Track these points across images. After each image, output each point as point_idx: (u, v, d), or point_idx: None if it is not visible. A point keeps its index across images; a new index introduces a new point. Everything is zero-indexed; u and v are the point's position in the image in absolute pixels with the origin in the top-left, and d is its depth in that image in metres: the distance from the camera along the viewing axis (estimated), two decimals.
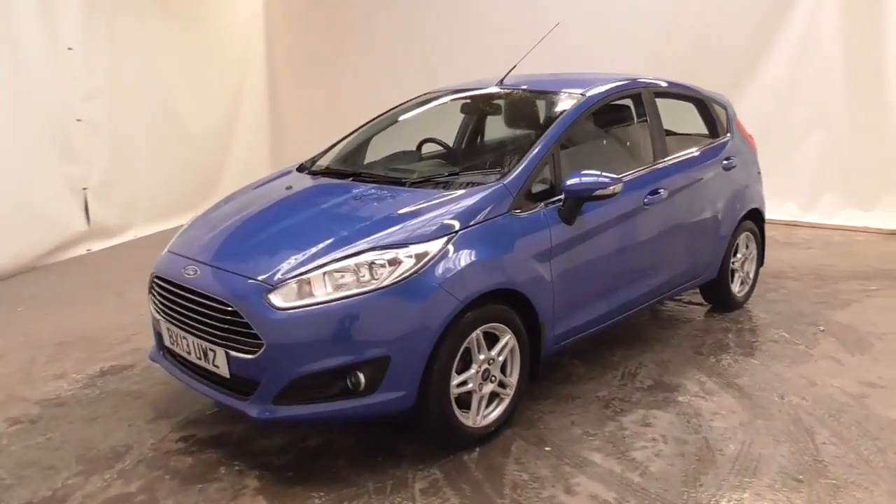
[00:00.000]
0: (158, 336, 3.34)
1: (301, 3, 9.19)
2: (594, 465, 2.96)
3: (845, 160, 7.15)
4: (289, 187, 3.66)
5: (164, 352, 3.32)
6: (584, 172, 3.30)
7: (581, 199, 3.31)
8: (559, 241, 3.28)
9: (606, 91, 3.87)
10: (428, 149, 4.26)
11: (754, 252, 4.91)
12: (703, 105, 4.65)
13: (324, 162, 4.03)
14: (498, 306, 3.05)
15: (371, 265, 2.80)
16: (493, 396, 3.15)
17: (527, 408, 3.40)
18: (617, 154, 4.04)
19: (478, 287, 2.93)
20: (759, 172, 4.91)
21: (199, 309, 2.93)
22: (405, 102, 4.41)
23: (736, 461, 2.98)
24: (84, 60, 6.47)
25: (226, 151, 8.49)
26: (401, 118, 4.31)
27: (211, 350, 2.90)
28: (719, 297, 4.72)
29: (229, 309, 2.80)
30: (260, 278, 2.82)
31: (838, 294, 5.12)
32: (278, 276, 2.81)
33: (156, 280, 3.23)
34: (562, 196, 3.32)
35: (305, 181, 3.76)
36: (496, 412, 3.15)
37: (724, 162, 4.48)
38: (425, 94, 4.45)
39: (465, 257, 2.93)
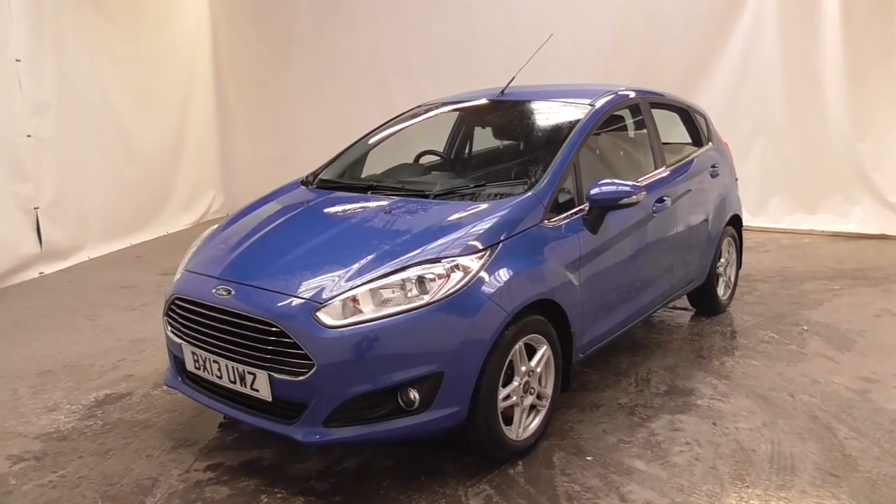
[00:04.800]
0: (176, 361, 3.17)
1: (247, 17, 8.93)
2: (640, 472, 2.98)
3: (788, 166, 7.54)
4: (307, 201, 3.54)
5: (184, 377, 3.15)
6: (607, 182, 3.33)
7: (606, 208, 3.34)
8: (587, 250, 3.30)
9: (612, 101, 3.92)
10: (431, 160, 4.21)
11: (734, 256, 5.09)
12: (687, 114, 4.79)
13: (331, 175, 3.92)
14: (536, 317, 3.03)
15: (420, 279, 2.74)
16: (531, 409, 3.14)
17: (555, 418, 3.38)
18: (624, 164, 4.11)
19: (523, 298, 2.91)
20: (736, 179, 5.10)
21: (235, 330, 2.80)
22: (403, 114, 4.34)
23: (772, 460, 3.06)
24: (32, 72, 6.09)
25: (175, 169, 8.18)
26: (401, 130, 4.23)
27: (250, 373, 2.77)
28: (706, 302, 4.85)
29: (274, 329, 2.68)
30: (306, 296, 2.72)
31: (808, 294, 5.36)
32: (325, 293, 2.71)
33: (177, 302, 3.07)
34: (585, 205, 3.35)
35: (321, 195, 3.64)
36: (534, 424, 3.14)
37: (711, 169, 4.62)
38: (421, 105, 4.41)
39: (510, 269, 2.90)
